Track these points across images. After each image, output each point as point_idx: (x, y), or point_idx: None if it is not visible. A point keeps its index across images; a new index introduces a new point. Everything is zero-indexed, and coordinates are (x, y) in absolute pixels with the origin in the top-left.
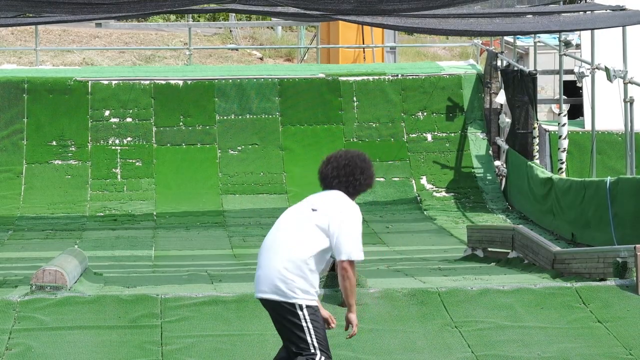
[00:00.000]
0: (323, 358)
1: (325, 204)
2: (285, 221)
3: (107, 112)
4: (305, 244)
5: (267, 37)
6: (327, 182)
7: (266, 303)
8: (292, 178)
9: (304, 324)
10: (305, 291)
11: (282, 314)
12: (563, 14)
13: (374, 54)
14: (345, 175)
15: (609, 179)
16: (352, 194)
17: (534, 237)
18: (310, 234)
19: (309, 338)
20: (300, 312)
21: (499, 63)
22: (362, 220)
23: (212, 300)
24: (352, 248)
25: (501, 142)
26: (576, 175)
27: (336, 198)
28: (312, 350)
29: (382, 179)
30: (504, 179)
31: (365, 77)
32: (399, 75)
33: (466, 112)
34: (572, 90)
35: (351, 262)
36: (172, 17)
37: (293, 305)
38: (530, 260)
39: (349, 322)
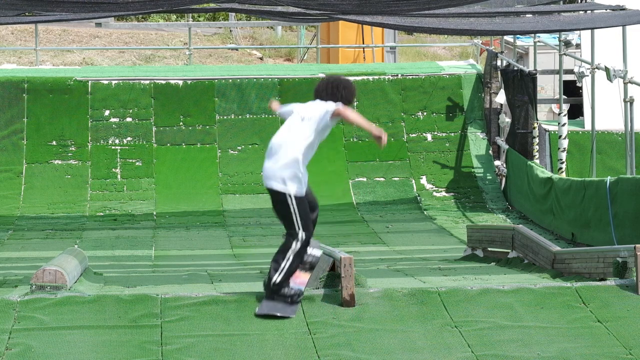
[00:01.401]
0: (303, 234)
1: (311, 109)
2: (284, 127)
3: (107, 112)
4: (295, 145)
5: (267, 37)
6: (317, 94)
7: (268, 190)
8: None
9: (291, 208)
10: (295, 187)
11: (278, 199)
12: (563, 14)
13: (374, 53)
14: (332, 89)
15: (609, 179)
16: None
17: (534, 237)
18: (298, 136)
19: (294, 218)
20: (289, 199)
21: (499, 63)
22: (362, 220)
23: (212, 300)
24: (333, 104)
25: (501, 142)
26: (576, 175)
27: (321, 103)
28: (296, 228)
29: (382, 179)
30: (504, 179)
31: (365, 77)
32: (399, 75)
33: (466, 112)
34: (572, 90)
35: (340, 108)
36: (172, 17)
37: (284, 194)
38: (530, 260)
39: (377, 137)
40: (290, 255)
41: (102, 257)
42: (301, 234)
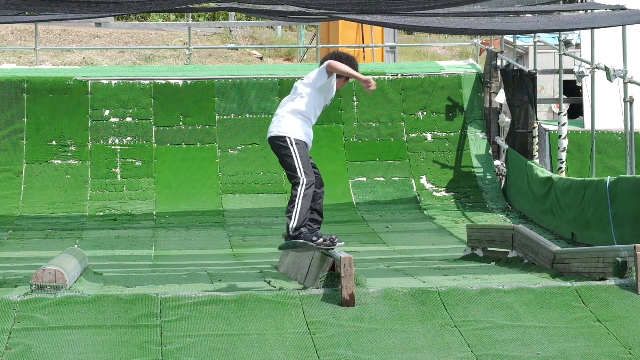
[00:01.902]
0: (306, 178)
1: (311, 74)
2: (291, 91)
3: (107, 112)
4: (295, 100)
5: (267, 37)
6: (321, 64)
7: (270, 141)
8: None
9: (292, 152)
10: (294, 131)
11: (278, 146)
12: (563, 14)
13: (374, 53)
14: (334, 58)
15: (609, 178)
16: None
17: (534, 237)
18: (296, 95)
19: (295, 163)
20: (289, 142)
21: (499, 63)
22: (362, 220)
23: (212, 300)
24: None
25: (501, 141)
26: (576, 175)
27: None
28: (298, 174)
29: (382, 179)
30: (504, 179)
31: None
32: (399, 75)
33: (466, 112)
34: (572, 90)
35: (329, 62)
36: (172, 17)
37: (284, 138)
38: (530, 260)
39: (366, 83)
40: (298, 200)
41: (102, 257)
42: (303, 178)
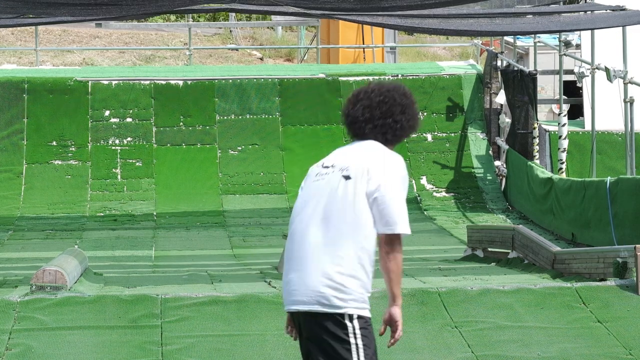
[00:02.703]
0: None
1: (358, 163)
2: (314, 202)
3: (107, 112)
4: (350, 234)
5: (267, 37)
6: (357, 128)
7: (303, 316)
8: (292, 178)
9: (352, 339)
10: (355, 299)
11: (325, 326)
12: (563, 14)
13: (374, 54)
14: (382, 116)
15: (609, 179)
16: (390, 142)
17: (534, 237)
18: (352, 220)
19: (355, 357)
20: (349, 324)
21: (499, 63)
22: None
23: (212, 300)
24: (398, 218)
25: (501, 142)
26: (576, 175)
27: (372, 153)
28: None
29: None
30: (504, 179)
31: (365, 77)
32: (399, 75)
33: (466, 112)
34: (572, 90)
35: (399, 237)
36: (172, 17)
37: (342, 315)
38: (530, 260)
39: (391, 321)
40: None
41: (102, 258)
42: None
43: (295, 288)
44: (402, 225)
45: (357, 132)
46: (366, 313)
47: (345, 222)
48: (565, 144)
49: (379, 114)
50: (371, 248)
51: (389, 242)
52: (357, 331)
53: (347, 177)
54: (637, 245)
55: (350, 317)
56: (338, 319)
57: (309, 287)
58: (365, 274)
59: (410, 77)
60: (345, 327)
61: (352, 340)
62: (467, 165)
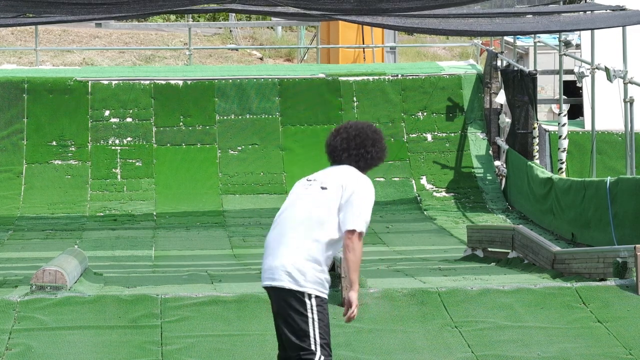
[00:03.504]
0: (322, 358)
1: (334, 180)
2: (295, 206)
3: (107, 112)
4: (317, 234)
5: (267, 37)
6: (336, 155)
7: (273, 291)
8: (292, 178)
9: (309, 314)
10: (316, 282)
11: (289, 301)
12: (563, 14)
13: (374, 54)
14: (356, 147)
15: (609, 179)
16: (362, 168)
17: (534, 237)
18: (322, 219)
19: (311, 330)
20: (308, 302)
21: (499, 63)
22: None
23: (212, 300)
24: (357, 219)
25: (501, 142)
26: (576, 175)
27: (346, 172)
28: (312, 347)
29: (382, 179)
30: (504, 179)
31: (365, 77)
32: (399, 75)
33: (466, 112)
34: (572, 90)
35: (357, 233)
36: (172, 17)
37: (302, 293)
38: (530, 260)
39: (348, 303)
40: None
41: (102, 257)
42: (318, 356)
43: (268, 268)
44: (359, 224)
45: (336, 158)
46: (323, 294)
47: (315, 221)
48: (565, 144)
49: (354, 145)
50: (331, 244)
51: (349, 236)
52: (314, 308)
53: (323, 188)
54: (637, 245)
55: (309, 296)
56: (299, 297)
57: (279, 268)
58: (325, 264)
59: (410, 77)
60: (304, 304)
61: (309, 314)
62: (467, 165)
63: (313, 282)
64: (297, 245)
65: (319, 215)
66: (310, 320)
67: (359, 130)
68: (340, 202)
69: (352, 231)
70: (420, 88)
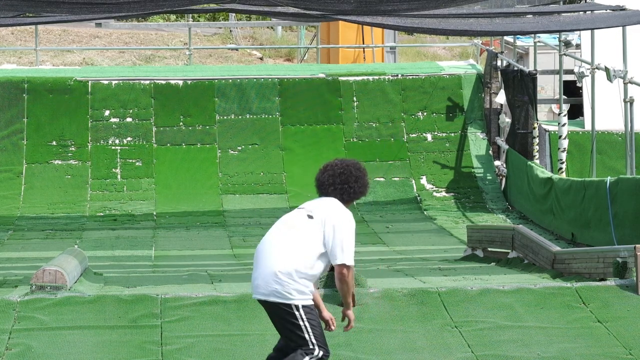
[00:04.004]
0: (321, 352)
1: (320, 211)
2: (282, 226)
3: (107, 112)
4: (300, 250)
5: (267, 37)
6: (323, 189)
7: (264, 303)
8: (292, 178)
9: (301, 322)
10: (300, 292)
11: (280, 314)
12: (563, 14)
13: (374, 54)
14: (340, 183)
15: (609, 179)
16: (346, 201)
17: (534, 237)
18: (305, 241)
19: (306, 335)
20: (297, 312)
21: (499, 63)
22: (362, 220)
23: (212, 300)
24: (343, 253)
25: (501, 142)
26: (576, 175)
27: (330, 205)
28: (311, 346)
29: (382, 179)
30: (504, 179)
31: (365, 77)
32: (399, 75)
33: (466, 112)
34: (572, 90)
35: (347, 267)
36: (172, 17)
37: (289, 306)
38: (530, 260)
39: (347, 319)
40: None
41: (102, 257)
42: (317, 352)
43: (257, 283)
44: (346, 257)
45: (323, 191)
46: (309, 302)
47: (297, 242)
48: (565, 143)
49: (339, 181)
50: (314, 262)
51: (339, 270)
52: (304, 316)
53: (310, 217)
54: (637, 245)
55: (297, 307)
56: (286, 309)
57: (266, 283)
58: (305, 278)
59: (410, 77)
60: (294, 315)
61: (301, 323)
62: (467, 165)
63: (298, 292)
64: (282, 261)
65: (303, 237)
66: (303, 328)
67: (344, 168)
68: (324, 235)
69: (342, 265)
70: (420, 88)
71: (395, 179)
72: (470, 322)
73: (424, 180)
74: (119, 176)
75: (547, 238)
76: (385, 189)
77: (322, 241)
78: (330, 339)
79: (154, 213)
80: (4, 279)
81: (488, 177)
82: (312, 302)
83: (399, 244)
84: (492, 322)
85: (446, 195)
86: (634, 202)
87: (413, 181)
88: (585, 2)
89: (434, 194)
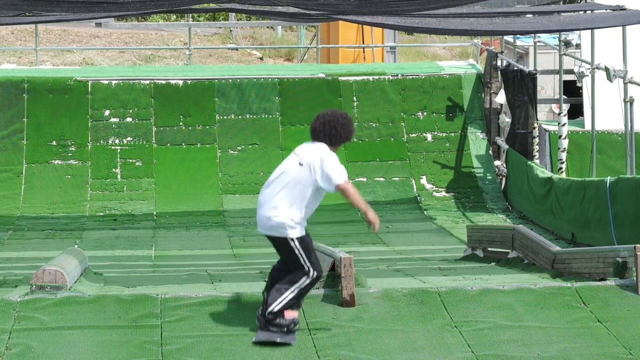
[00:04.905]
0: (315, 273)
1: (308, 157)
2: (278, 171)
3: (107, 112)
4: (288, 192)
5: (267, 37)
6: (315, 134)
7: (266, 236)
8: None
9: (296, 252)
10: (292, 227)
11: (279, 244)
12: (563, 14)
13: (374, 53)
14: (329, 129)
15: (609, 179)
16: (333, 145)
17: (534, 237)
18: (293, 184)
19: (302, 261)
20: (292, 244)
21: (499, 63)
22: (363, 220)
23: (212, 300)
24: (339, 174)
25: (501, 142)
26: (576, 175)
27: (317, 150)
28: (306, 269)
29: (382, 179)
30: (504, 179)
31: (365, 77)
32: (399, 75)
33: (466, 112)
34: (572, 90)
35: (343, 184)
36: (172, 17)
37: (285, 239)
38: (530, 260)
39: (370, 222)
40: (295, 289)
41: (102, 257)
42: (312, 273)
43: (259, 222)
44: (340, 178)
45: (314, 137)
46: (302, 234)
47: (292, 185)
48: (565, 143)
49: (327, 127)
50: (304, 201)
51: (340, 188)
52: (299, 246)
53: (300, 164)
54: (637, 245)
55: (292, 240)
56: (284, 242)
57: (264, 221)
58: (299, 213)
59: (410, 77)
60: (290, 246)
61: (296, 252)
62: (467, 165)
63: (291, 228)
64: (279, 202)
65: (292, 181)
66: (299, 255)
67: (333, 116)
68: (313, 176)
69: (338, 185)
70: (420, 88)
71: (395, 178)
72: (470, 322)
73: (424, 180)
74: (119, 176)
75: (547, 238)
76: (385, 189)
77: (310, 183)
78: (331, 339)
79: (154, 213)
80: (4, 279)
81: (488, 177)
82: (305, 233)
83: (399, 244)
84: (492, 322)
85: (446, 195)
86: (634, 202)
87: (413, 181)
88: (585, 1)
89: (434, 193)
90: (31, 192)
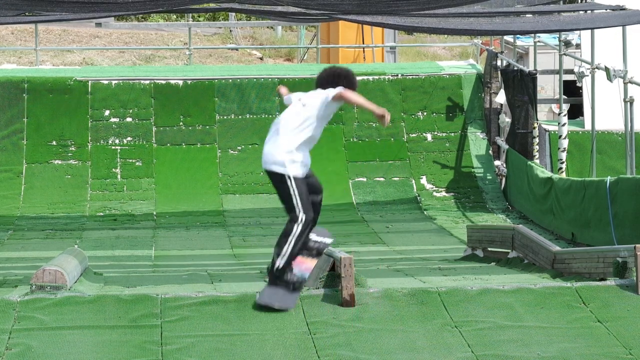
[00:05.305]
0: (305, 217)
1: (309, 98)
2: (285, 113)
3: (107, 112)
4: (291, 131)
5: (267, 37)
6: (320, 83)
7: (268, 173)
8: None
9: (291, 190)
10: (292, 162)
11: (277, 181)
12: (563, 14)
13: (374, 53)
14: (333, 78)
15: (609, 179)
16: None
17: (534, 237)
18: (296, 124)
19: (294, 200)
20: (289, 181)
21: (499, 63)
22: (362, 220)
23: (212, 300)
24: (332, 91)
25: (501, 142)
26: (576, 175)
27: (318, 92)
28: (296, 211)
29: (382, 179)
30: (504, 179)
31: (365, 77)
32: (399, 75)
33: (466, 112)
34: (572, 90)
35: (341, 91)
36: (172, 17)
37: (283, 176)
38: (530, 260)
39: (380, 116)
40: (291, 239)
41: (102, 257)
42: (301, 216)
43: (263, 156)
44: (337, 89)
45: (319, 85)
46: (299, 174)
47: (292, 125)
48: (565, 143)
49: (332, 77)
50: (305, 140)
51: (342, 95)
52: (294, 183)
53: (304, 105)
54: (637, 245)
55: (289, 177)
56: (281, 178)
57: (269, 157)
58: (301, 154)
59: (410, 77)
60: (286, 182)
61: (291, 189)
62: (467, 165)
63: (291, 165)
64: (281, 141)
65: (298, 122)
66: (292, 192)
67: (337, 69)
68: (317, 108)
69: (337, 93)
70: (420, 88)
71: (395, 178)
72: (470, 322)
73: (424, 180)
74: (119, 176)
75: (547, 238)
76: (385, 188)
77: (313, 122)
78: (330, 339)
79: (154, 213)
80: (4, 279)
81: (488, 177)
82: (302, 175)
83: (399, 244)
84: (492, 322)
85: (446, 195)
86: (634, 202)
87: (413, 181)
88: (585, 1)
89: (434, 193)
90: (31, 192)
